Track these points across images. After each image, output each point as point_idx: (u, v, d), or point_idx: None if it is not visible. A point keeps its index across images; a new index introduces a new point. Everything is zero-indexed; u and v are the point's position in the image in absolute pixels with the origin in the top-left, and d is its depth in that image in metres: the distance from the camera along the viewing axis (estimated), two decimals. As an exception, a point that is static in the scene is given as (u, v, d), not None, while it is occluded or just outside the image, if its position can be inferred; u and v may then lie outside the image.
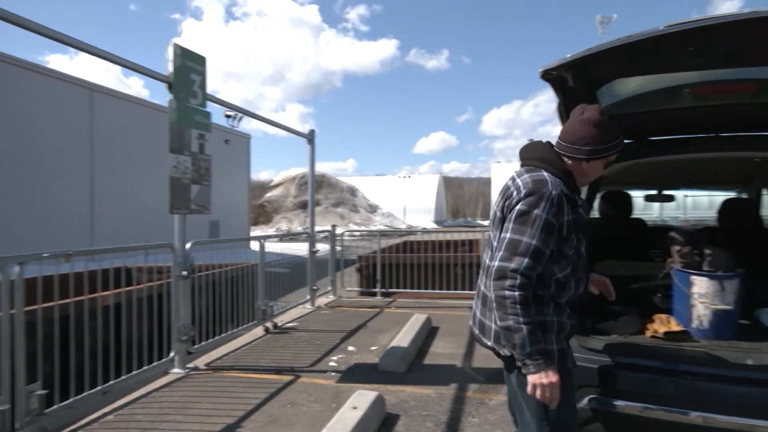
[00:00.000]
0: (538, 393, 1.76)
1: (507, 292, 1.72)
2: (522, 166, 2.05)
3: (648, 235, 4.37)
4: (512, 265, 1.73)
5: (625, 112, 3.06)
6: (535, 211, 1.78)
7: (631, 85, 2.81)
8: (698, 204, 18.01)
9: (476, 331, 2.05)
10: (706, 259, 2.87)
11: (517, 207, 1.82)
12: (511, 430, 3.26)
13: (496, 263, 1.78)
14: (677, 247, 3.00)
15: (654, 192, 5.64)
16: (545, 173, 1.89)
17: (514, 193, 1.87)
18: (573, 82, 2.36)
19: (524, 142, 8.35)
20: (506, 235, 1.81)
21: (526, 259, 1.74)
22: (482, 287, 2.01)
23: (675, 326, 2.78)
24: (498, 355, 1.94)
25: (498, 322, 1.78)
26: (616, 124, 1.96)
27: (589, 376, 2.35)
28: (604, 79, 2.64)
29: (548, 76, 2.32)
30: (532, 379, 1.76)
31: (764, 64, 2.28)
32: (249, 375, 4.46)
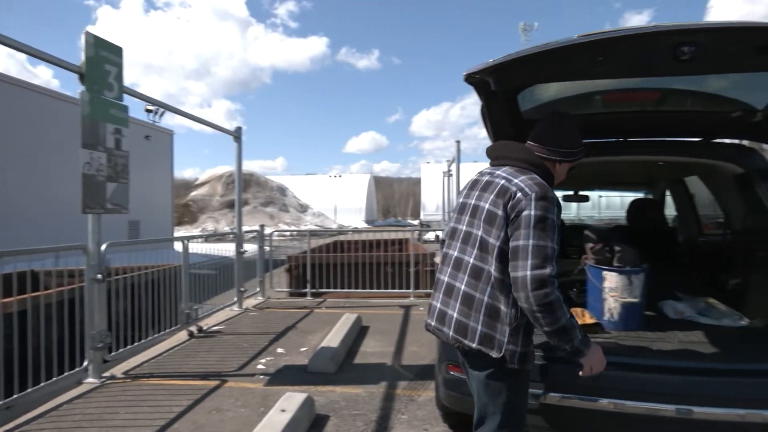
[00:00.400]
0: (594, 369, 1.91)
1: (553, 297, 1.75)
2: (501, 165, 2.06)
3: (565, 233, 4.62)
4: (547, 271, 1.75)
5: None
6: (551, 216, 1.82)
7: (550, 90, 2.94)
8: (612, 204, 19.34)
9: (451, 333, 1.98)
10: (616, 256, 3.08)
11: (533, 212, 1.80)
12: (440, 424, 3.35)
13: (529, 272, 1.75)
14: (590, 245, 3.19)
15: (571, 192, 5.99)
16: (536, 176, 1.94)
17: (519, 195, 1.85)
18: (495, 86, 2.44)
19: (452, 143, 8.52)
20: (529, 241, 1.78)
21: (553, 264, 1.78)
22: (462, 287, 1.97)
23: (589, 319, 2.96)
24: (485, 356, 1.89)
25: (547, 327, 1.78)
26: (580, 132, 2.10)
27: None
28: (524, 84, 2.75)
29: (472, 79, 2.38)
30: (586, 360, 1.88)
31: (666, 74, 2.47)
32: (171, 382, 4.26)
